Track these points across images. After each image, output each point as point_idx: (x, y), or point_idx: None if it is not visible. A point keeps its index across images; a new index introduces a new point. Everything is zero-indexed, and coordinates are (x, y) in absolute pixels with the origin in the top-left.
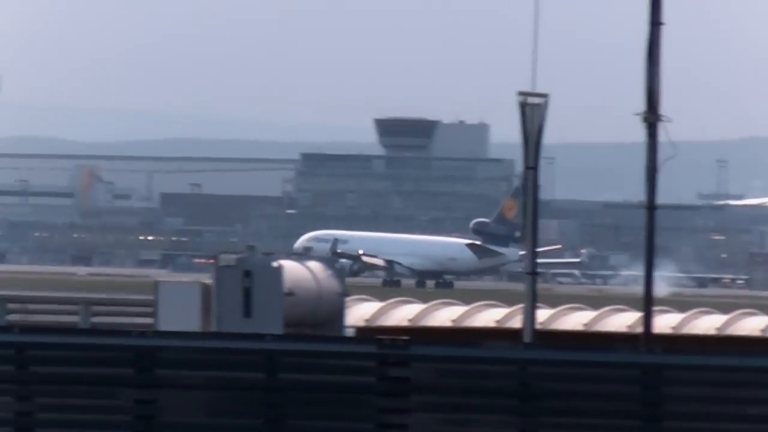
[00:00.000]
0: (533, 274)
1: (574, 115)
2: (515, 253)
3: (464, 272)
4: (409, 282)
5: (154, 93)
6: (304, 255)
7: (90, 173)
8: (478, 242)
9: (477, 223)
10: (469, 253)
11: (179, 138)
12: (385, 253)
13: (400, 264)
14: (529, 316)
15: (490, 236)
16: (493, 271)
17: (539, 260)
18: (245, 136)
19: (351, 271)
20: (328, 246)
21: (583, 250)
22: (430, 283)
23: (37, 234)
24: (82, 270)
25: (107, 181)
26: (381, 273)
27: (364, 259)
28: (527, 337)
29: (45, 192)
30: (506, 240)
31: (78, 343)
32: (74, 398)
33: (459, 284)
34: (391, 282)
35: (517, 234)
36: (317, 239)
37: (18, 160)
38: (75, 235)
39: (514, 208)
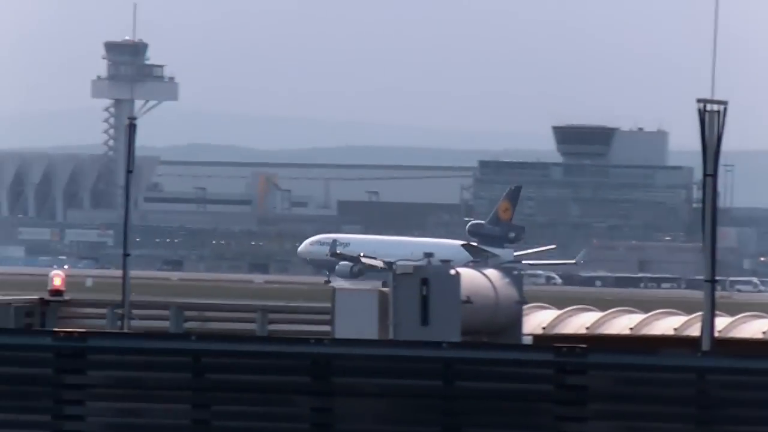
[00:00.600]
0: (712, 281)
1: (755, 121)
2: (509, 253)
3: None
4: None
5: (330, 101)
6: (482, 263)
7: (267, 181)
8: (473, 243)
9: (473, 225)
10: (465, 254)
11: (355, 146)
12: (386, 255)
13: None
14: (708, 324)
15: (486, 237)
16: None
17: (531, 261)
18: (422, 143)
19: (352, 273)
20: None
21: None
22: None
23: (214, 241)
24: (259, 277)
25: (284, 189)
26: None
27: (364, 260)
28: (706, 345)
29: (223, 199)
30: (501, 241)
31: (255, 351)
32: (250, 406)
33: None
34: None
35: (512, 235)
36: (320, 242)
37: (196, 167)
38: (252, 243)
39: (509, 209)
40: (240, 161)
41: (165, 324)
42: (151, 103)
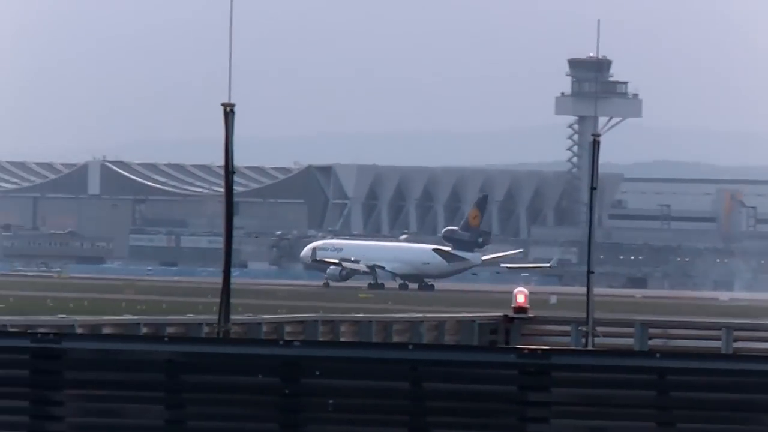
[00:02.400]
0: None
1: None
2: (478, 257)
3: (437, 275)
4: (392, 285)
5: None
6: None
7: (732, 198)
8: (442, 248)
9: (447, 230)
10: (438, 258)
11: None
12: (371, 259)
13: (383, 268)
14: None
15: (458, 242)
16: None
17: (506, 265)
18: None
19: (341, 276)
20: (325, 254)
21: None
22: (413, 285)
23: (678, 259)
24: (723, 295)
25: (749, 206)
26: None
27: (345, 264)
28: None
29: (687, 217)
30: (471, 245)
31: (719, 369)
32: (717, 424)
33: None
34: (376, 285)
35: (480, 240)
36: (317, 249)
37: (660, 184)
38: (717, 260)
39: (477, 216)
40: (704, 178)
41: (629, 341)
42: (615, 119)
